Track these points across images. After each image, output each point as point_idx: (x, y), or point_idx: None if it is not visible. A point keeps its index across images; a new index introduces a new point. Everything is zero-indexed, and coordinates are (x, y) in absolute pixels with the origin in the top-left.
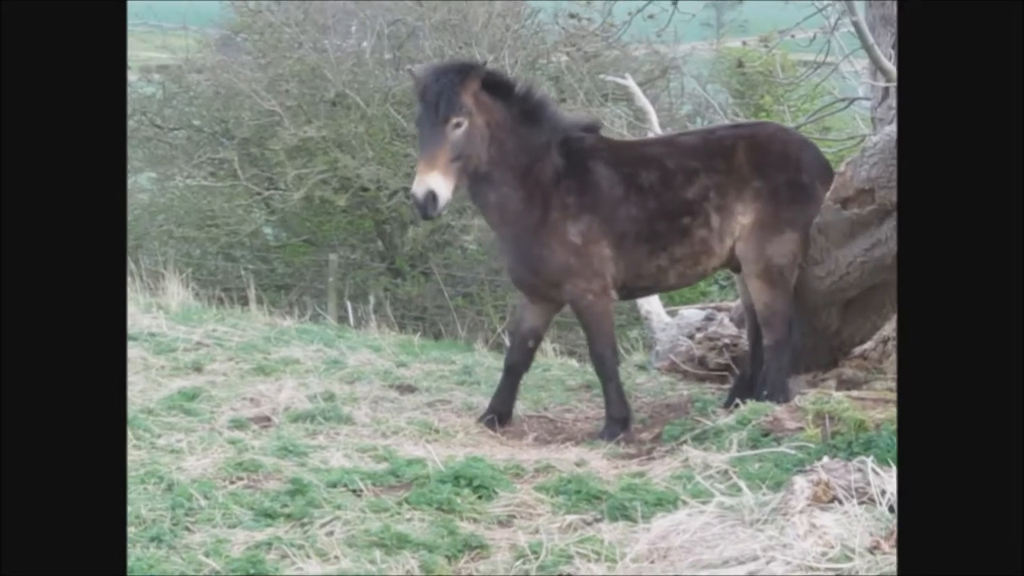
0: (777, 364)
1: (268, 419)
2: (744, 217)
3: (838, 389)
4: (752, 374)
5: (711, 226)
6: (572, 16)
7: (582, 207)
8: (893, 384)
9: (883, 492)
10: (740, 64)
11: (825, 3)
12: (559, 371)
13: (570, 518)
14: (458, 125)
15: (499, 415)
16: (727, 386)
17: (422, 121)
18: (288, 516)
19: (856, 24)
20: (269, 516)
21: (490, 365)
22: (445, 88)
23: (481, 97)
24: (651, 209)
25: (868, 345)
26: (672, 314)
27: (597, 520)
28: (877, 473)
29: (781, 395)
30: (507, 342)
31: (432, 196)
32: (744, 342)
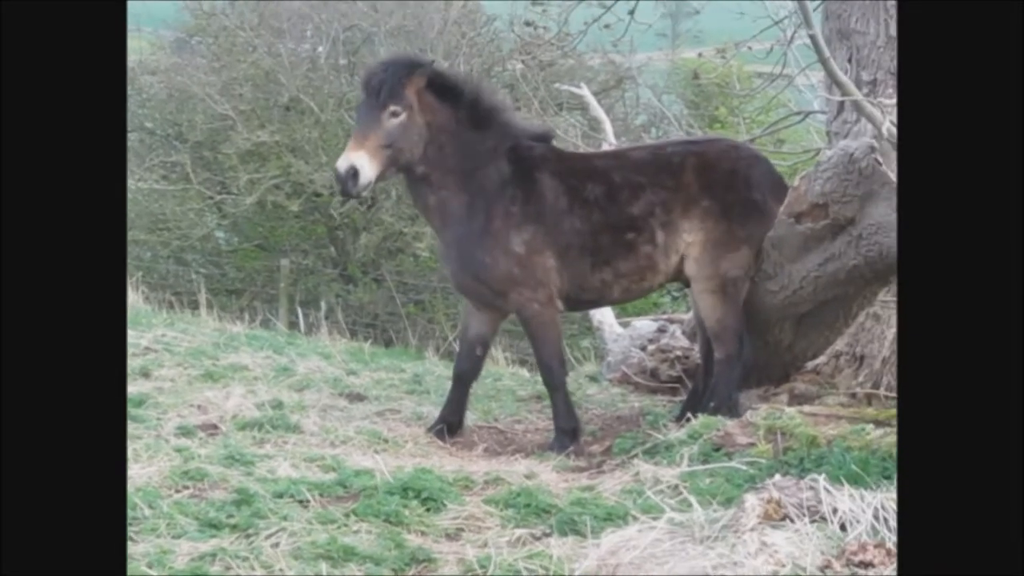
0: (727, 378)
1: (215, 427)
2: (690, 235)
3: (790, 404)
4: (704, 388)
5: (656, 242)
6: (528, 24)
7: (526, 216)
8: (845, 399)
9: (835, 510)
10: (696, 76)
11: (782, 16)
12: (510, 381)
13: (519, 532)
14: (395, 114)
15: (449, 425)
16: (679, 399)
17: (361, 106)
18: (233, 527)
19: (812, 38)
20: (214, 527)
21: (440, 374)
22: (389, 78)
23: (426, 97)
24: (595, 222)
25: (821, 360)
26: (624, 325)
27: (546, 534)
28: (829, 491)
29: (727, 408)
30: (458, 349)
31: (353, 172)
32: (696, 355)
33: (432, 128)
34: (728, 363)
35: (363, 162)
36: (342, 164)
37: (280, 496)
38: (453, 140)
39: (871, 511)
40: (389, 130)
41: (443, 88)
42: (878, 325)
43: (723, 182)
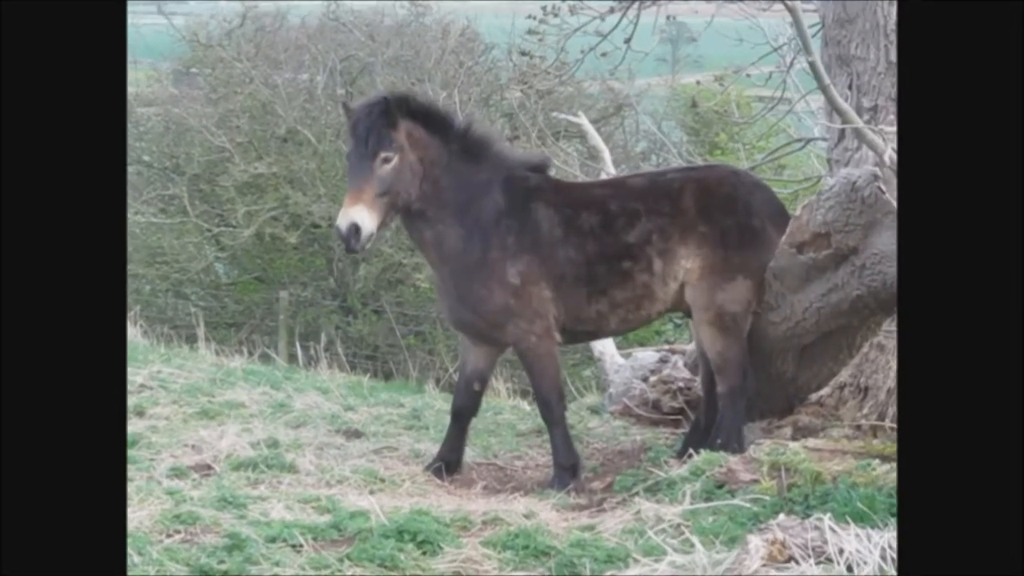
0: (732, 412)
1: (209, 467)
2: (688, 261)
3: (794, 437)
4: (706, 422)
5: (653, 270)
6: (524, 54)
7: (521, 247)
8: (850, 431)
9: (841, 551)
10: (694, 104)
11: (781, 43)
12: (510, 415)
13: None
14: (386, 160)
15: (447, 463)
16: (681, 431)
17: (351, 155)
18: (224, 573)
19: (812, 64)
20: (205, 573)
21: (440, 408)
22: (375, 123)
23: (416, 133)
24: (590, 252)
25: (824, 392)
26: (626, 356)
27: None
28: (835, 531)
29: (735, 443)
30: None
31: (355, 229)
32: (698, 387)
33: (425, 163)
34: (732, 397)
35: (363, 217)
36: (343, 222)
37: (273, 540)
38: (448, 173)
39: (878, 551)
40: (383, 177)
41: (433, 122)
42: (882, 355)
43: (721, 207)
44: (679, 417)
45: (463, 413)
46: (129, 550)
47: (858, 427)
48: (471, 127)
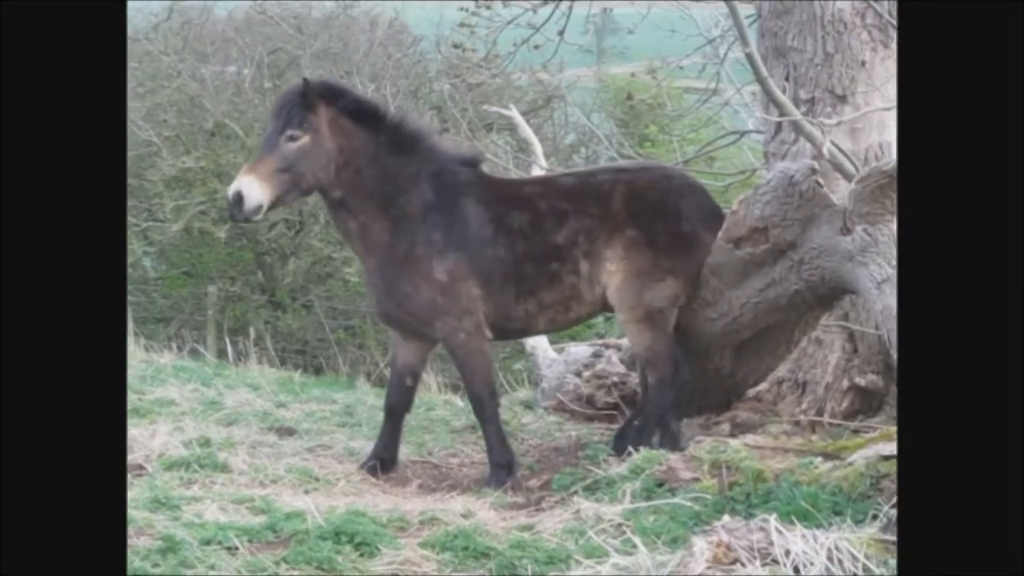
0: (658, 400)
1: (141, 467)
2: (613, 264)
3: (732, 433)
4: None
5: (580, 272)
6: (456, 46)
7: (448, 244)
8: (788, 427)
9: (787, 552)
10: (629, 97)
11: (715, 36)
12: (443, 410)
13: None
14: (292, 138)
15: (382, 461)
16: (616, 426)
17: (265, 130)
18: None
19: (749, 56)
20: None
21: (372, 404)
22: (290, 103)
23: (340, 121)
24: (519, 251)
25: (763, 387)
26: (559, 350)
27: None
28: (780, 532)
29: (652, 431)
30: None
31: (239, 197)
32: (634, 381)
33: (346, 152)
34: (662, 386)
35: (252, 187)
36: (230, 189)
37: (208, 543)
38: (372, 164)
39: (824, 552)
40: (286, 154)
41: (360, 113)
42: (820, 350)
43: (652, 211)
44: (614, 412)
45: (396, 410)
46: None
47: (797, 423)
48: (403, 121)
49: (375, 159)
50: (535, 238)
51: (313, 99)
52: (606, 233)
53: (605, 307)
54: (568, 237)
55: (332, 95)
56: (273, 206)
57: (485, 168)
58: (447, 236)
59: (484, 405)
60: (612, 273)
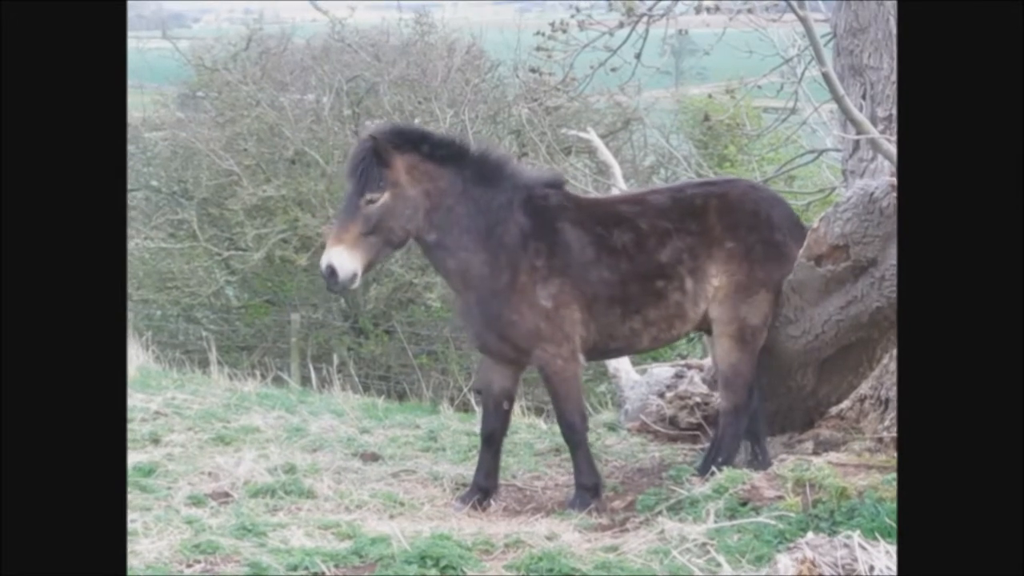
0: (734, 430)
1: (227, 494)
2: (716, 279)
3: (815, 451)
4: None
5: (685, 289)
6: (533, 71)
7: (552, 269)
8: (871, 444)
9: (871, 568)
10: (706, 118)
11: (791, 55)
12: (527, 434)
13: None
14: (371, 201)
15: (484, 491)
16: (700, 446)
17: (345, 193)
18: None
19: (826, 75)
20: None
21: (456, 428)
22: (364, 163)
23: (421, 167)
24: (624, 271)
25: (845, 404)
26: (641, 372)
27: None
28: (864, 548)
29: (733, 457)
30: (473, 401)
31: (331, 270)
32: (716, 401)
33: (433, 195)
34: (735, 414)
35: (342, 258)
36: (322, 263)
37: (294, 568)
38: (463, 200)
39: None
40: (368, 217)
41: (438, 151)
42: None
43: (747, 223)
44: (697, 433)
45: (494, 436)
46: None
47: (880, 440)
48: (484, 151)
49: (464, 194)
50: (639, 257)
51: (386, 153)
52: (706, 249)
53: (702, 325)
54: (672, 255)
55: (405, 143)
56: (368, 269)
57: (568, 189)
58: (550, 262)
59: (575, 430)
60: (717, 289)
